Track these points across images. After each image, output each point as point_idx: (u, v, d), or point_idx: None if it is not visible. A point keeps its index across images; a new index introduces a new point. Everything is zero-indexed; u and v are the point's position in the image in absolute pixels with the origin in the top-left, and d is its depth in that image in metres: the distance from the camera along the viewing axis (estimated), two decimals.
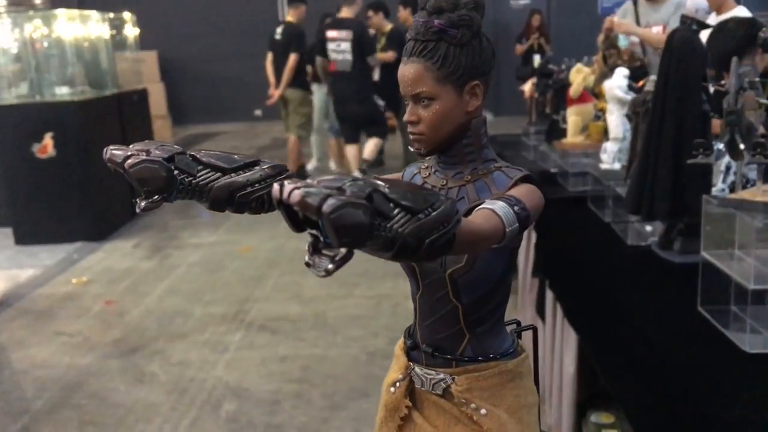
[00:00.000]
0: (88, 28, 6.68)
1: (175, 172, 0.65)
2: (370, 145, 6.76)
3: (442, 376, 0.71)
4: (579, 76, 3.25)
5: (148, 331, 4.02)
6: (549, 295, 2.74)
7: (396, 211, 0.54)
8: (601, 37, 3.47)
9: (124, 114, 6.64)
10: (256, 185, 0.64)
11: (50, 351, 3.82)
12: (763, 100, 1.64)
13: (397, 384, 0.74)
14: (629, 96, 2.78)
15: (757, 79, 1.67)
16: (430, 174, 0.74)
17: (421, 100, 0.68)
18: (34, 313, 4.37)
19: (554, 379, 2.71)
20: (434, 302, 0.72)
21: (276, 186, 0.51)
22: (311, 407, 3.23)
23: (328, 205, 0.49)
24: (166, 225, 6.42)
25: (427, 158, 0.75)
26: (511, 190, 0.68)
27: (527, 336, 0.81)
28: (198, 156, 0.66)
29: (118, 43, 7.65)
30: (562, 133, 3.40)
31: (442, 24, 0.67)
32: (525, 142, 4.23)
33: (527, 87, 4.71)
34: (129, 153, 0.66)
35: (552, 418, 2.77)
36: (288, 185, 0.50)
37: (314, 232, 0.53)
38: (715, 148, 1.98)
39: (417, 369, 0.72)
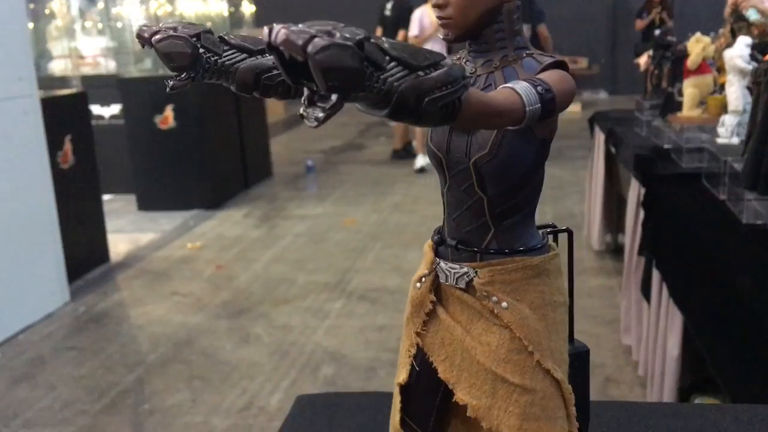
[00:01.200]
0: (208, 5, 6.97)
1: (201, 50, 0.66)
2: None
3: (465, 269, 0.69)
4: (698, 45, 3.06)
5: (254, 296, 4.19)
6: (655, 274, 2.63)
7: (392, 64, 0.52)
8: (727, 11, 3.25)
9: None
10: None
11: (165, 309, 4.06)
12: None
13: (423, 279, 0.74)
14: (751, 66, 2.60)
15: None
16: (462, 63, 0.72)
17: None
18: (152, 274, 4.66)
19: (657, 361, 2.61)
20: (460, 194, 0.70)
21: (266, 28, 0.50)
22: None
23: (314, 45, 0.47)
24: (275, 196, 6.64)
25: (459, 51, 0.73)
26: (540, 74, 0.65)
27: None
28: (225, 37, 0.67)
29: (235, 20, 7.93)
30: (678, 106, 3.22)
31: None
32: (638, 117, 4.04)
33: (643, 60, 4.49)
34: (156, 29, 0.68)
35: (654, 400, 2.67)
36: (277, 26, 0.49)
37: (311, 84, 0.52)
38: None
39: (442, 264, 0.71)
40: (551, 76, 0.64)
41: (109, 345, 3.63)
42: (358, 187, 6.65)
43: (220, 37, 0.69)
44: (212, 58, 0.66)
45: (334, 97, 0.50)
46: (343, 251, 4.95)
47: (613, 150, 3.98)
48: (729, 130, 2.72)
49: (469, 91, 0.53)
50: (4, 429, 2.89)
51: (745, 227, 2.27)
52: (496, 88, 0.67)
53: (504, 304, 0.68)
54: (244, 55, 0.68)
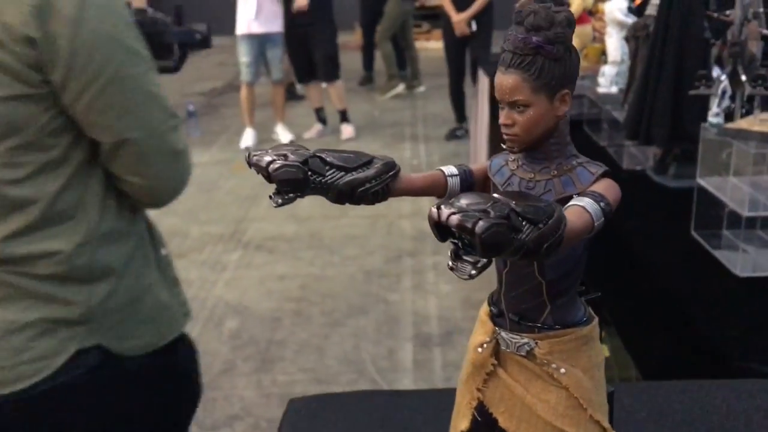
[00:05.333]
0: None
1: (309, 173, 0.76)
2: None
3: (526, 340, 0.81)
4: None
5: None
6: None
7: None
8: None
9: None
10: (373, 181, 0.77)
11: None
12: (766, 31, 1.66)
13: (484, 345, 0.84)
14: (629, 19, 2.77)
15: (761, 9, 1.68)
16: (518, 167, 0.82)
17: (517, 106, 0.76)
18: None
19: None
20: (521, 277, 0.82)
21: (434, 210, 0.62)
22: (311, 324, 3.35)
23: (480, 227, 0.60)
24: None
25: (512, 156, 0.83)
26: (594, 186, 0.76)
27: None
28: (325, 158, 0.77)
29: None
30: None
31: (540, 41, 0.74)
32: None
33: (521, 3, 4.64)
34: (271, 158, 0.76)
35: None
36: (444, 210, 0.61)
37: (455, 240, 0.64)
38: (714, 75, 2.01)
39: (503, 333, 0.82)
40: (605, 188, 0.75)
41: None
42: (244, 131, 6.53)
43: (320, 158, 0.77)
44: (317, 179, 0.76)
45: (483, 261, 0.63)
46: (235, 200, 4.89)
47: None
48: (608, 80, 2.91)
49: (564, 234, 0.64)
50: None
51: (624, 172, 2.47)
52: (555, 194, 0.76)
53: (562, 369, 0.79)
54: (342, 173, 0.77)
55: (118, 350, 1.15)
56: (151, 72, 1.11)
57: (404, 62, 8.30)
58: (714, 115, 2.11)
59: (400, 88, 8.05)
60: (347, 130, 6.45)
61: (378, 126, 6.86)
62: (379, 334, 3.28)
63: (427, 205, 0.60)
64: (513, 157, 0.84)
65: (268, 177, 0.74)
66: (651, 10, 2.46)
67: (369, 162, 0.78)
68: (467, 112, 5.92)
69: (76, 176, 1.08)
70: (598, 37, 3.27)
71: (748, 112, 1.99)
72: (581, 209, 0.72)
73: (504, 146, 0.79)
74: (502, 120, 0.78)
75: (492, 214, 0.60)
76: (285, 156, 0.76)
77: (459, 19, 5.72)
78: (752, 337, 1.47)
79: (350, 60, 8.03)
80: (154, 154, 1.12)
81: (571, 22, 0.77)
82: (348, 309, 3.50)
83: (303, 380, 2.94)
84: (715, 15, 1.97)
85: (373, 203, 0.80)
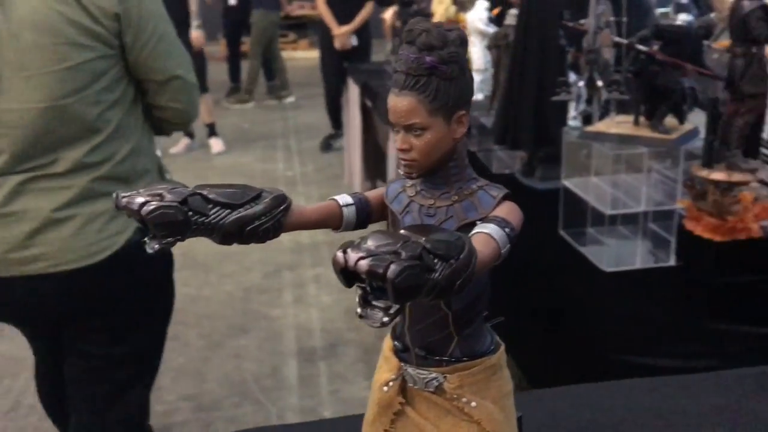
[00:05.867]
0: None
1: (189, 213, 0.67)
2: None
3: (434, 375, 0.77)
4: (441, 6, 3.30)
5: None
6: None
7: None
8: None
9: None
10: (263, 218, 0.70)
11: None
12: (618, 39, 1.76)
13: (390, 383, 0.80)
14: (490, 29, 2.87)
15: (612, 18, 1.79)
16: (416, 193, 0.78)
17: (413, 130, 0.73)
18: None
19: None
20: (426, 310, 0.78)
21: (339, 255, 0.56)
22: (189, 348, 3.22)
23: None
24: None
25: (410, 183, 0.79)
26: (497, 210, 0.73)
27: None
28: (207, 195, 0.69)
29: None
30: None
31: (434, 61, 0.71)
32: (388, 71, 4.27)
33: (388, 14, 4.71)
34: (144, 199, 0.67)
35: None
36: (352, 255, 0.57)
37: (363, 285, 0.58)
38: (570, 80, 2.12)
39: (409, 369, 0.78)
40: (507, 212, 0.73)
41: None
42: None
43: (202, 195, 0.68)
44: (200, 219, 0.68)
45: (396, 306, 0.58)
46: None
47: (369, 103, 4.17)
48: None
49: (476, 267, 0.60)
50: None
51: (494, 176, 2.55)
52: (457, 220, 0.73)
53: (473, 403, 0.76)
54: (228, 211, 0.69)
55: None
56: (174, 31, 1.64)
57: (272, 73, 8.20)
58: (572, 118, 2.22)
59: (249, 105, 7.95)
60: (217, 145, 6.28)
61: (249, 139, 6.72)
62: (262, 352, 3.19)
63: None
64: (411, 183, 0.80)
65: (142, 221, 0.67)
66: (510, 20, 2.56)
67: (257, 196, 0.71)
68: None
69: (129, 109, 1.58)
70: None
71: (604, 116, 2.11)
72: (487, 237, 0.69)
73: (401, 171, 0.77)
74: (398, 145, 0.74)
75: (403, 255, 0.56)
76: (160, 196, 0.68)
77: (341, 32, 5.54)
78: (625, 330, 1.54)
79: (217, 71, 7.84)
80: (189, 86, 1.65)
81: (463, 41, 0.75)
82: (227, 329, 3.39)
83: (183, 408, 2.81)
84: (570, 24, 2.07)
85: (264, 241, 0.73)
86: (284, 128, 7.18)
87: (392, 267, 0.55)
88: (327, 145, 6.17)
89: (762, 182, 1.65)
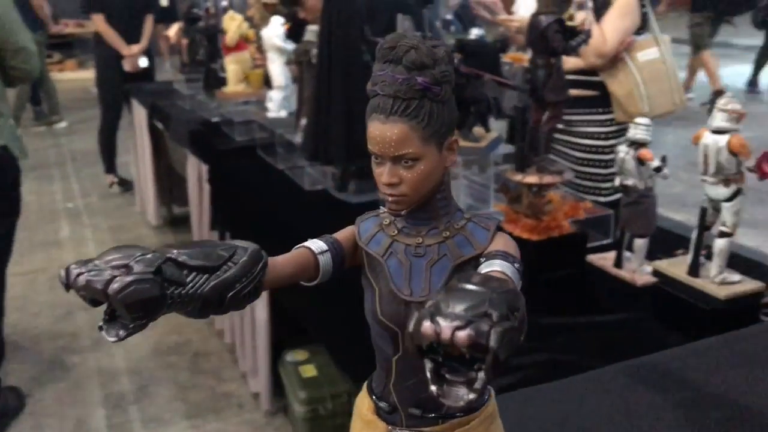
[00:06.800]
0: None
1: (165, 284, 0.55)
2: None
3: None
4: (233, 23, 3.21)
5: None
6: None
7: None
8: None
9: None
10: (243, 280, 0.60)
11: None
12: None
13: None
14: (288, 45, 2.85)
15: (418, 33, 1.85)
16: (398, 231, 0.68)
17: (404, 161, 0.63)
18: None
19: (246, 327, 2.75)
20: (416, 363, 0.69)
21: (428, 326, 0.47)
22: None
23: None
24: None
25: (385, 212, 0.69)
26: (495, 244, 0.67)
27: None
28: (179, 259, 0.56)
29: None
30: (222, 81, 3.35)
31: (427, 82, 0.62)
32: (179, 90, 4.08)
33: (172, 31, 4.50)
34: (110, 275, 0.53)
35: (247, 365, 2.82)
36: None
37: (435, 357, 0.51)
38: None
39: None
40: (507, 245, 0.67)
41: None
42: None
43: (174, 261, 0.56)
44: (176, 291, 0.56)
45: (483, 379, 0.49)
46: None
47: (159, 125, 3.94)
48: (277, 105, 2.95)
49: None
50: None
51: (307, 193, 2.52)
52: (452, 258, 0.67)
53: None
54: (206, 276, 0.58)
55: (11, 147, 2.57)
56: (19, 16, 2.53)
57: (37, 97, 7.49)
58: None
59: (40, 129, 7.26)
60: None
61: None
62: (63, 406, 2.87)
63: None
64: (388, 221, 0.70)
65: (107, 298, 0.53)
66: (310, 35, 2.55)
67: (232, 254, 0.61)
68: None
69: None
70: (259, 63, 3.31)
71: None
72: (503, 276, 0.61)
73: (385, 209, 0.68)
74: (385, 179, 0.65)
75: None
76: (126, 267, 0.54)
77: (134, 53, 5.02)
78: None
79: None
80: (32, 53, 2.53)
81: (452, 58, 0.67)
82: (19, 385, 3.00)
83: None
84: (374, 40, 2.11)
85: (243, 307, 0.62)
86: (58, 156, 6.58)
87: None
88: (127, 188, 5.40)
89: (568, 183, 1.80)
